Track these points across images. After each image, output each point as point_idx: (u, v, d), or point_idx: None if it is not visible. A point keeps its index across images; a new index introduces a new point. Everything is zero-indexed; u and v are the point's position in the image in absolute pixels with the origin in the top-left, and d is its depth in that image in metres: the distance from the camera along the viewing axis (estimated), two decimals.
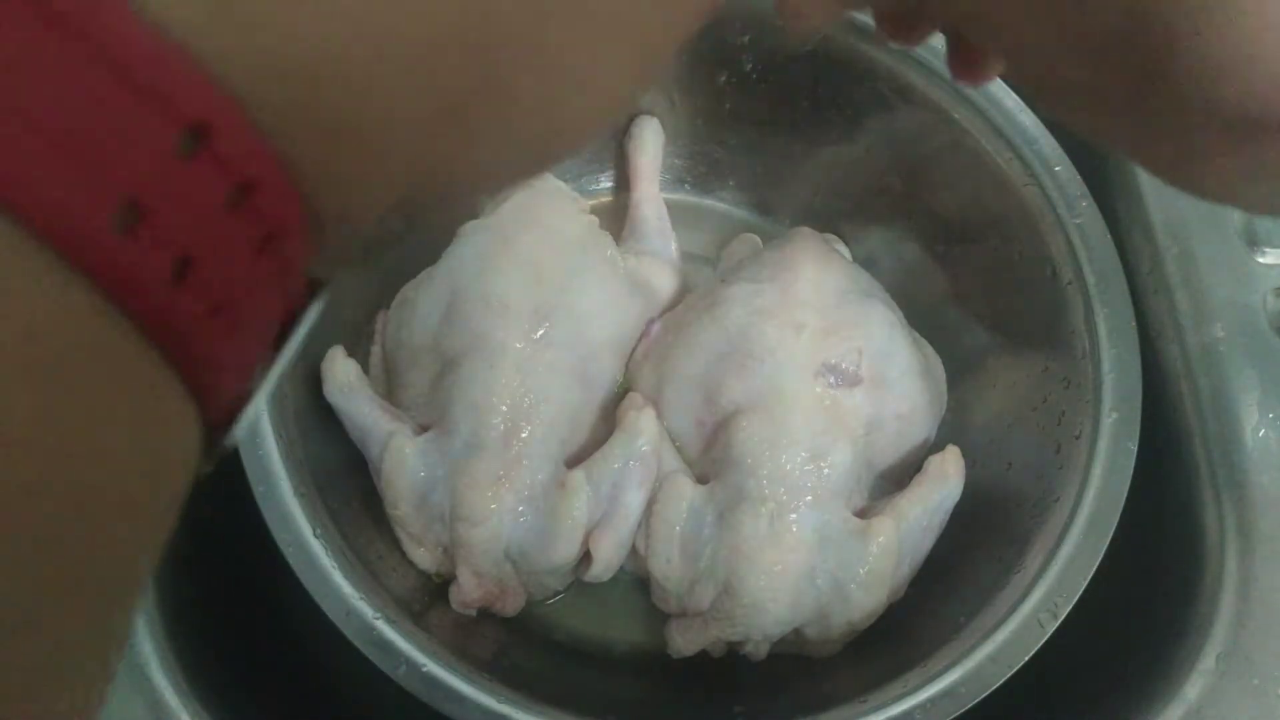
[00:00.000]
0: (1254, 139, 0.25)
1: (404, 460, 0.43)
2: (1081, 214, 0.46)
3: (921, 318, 0.51)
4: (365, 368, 0.47)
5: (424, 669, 0.36)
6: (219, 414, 0.16)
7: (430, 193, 0.17)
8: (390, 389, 0.48)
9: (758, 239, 0.56)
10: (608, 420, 0.47)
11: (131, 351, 0.13)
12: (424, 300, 0.47)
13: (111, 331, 0.13)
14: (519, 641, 0.46)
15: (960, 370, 0.51)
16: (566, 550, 0.43)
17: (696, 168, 0.59)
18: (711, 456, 0.45)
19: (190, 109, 0.13)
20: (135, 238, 0.13)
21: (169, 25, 0.13)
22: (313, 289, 0.18)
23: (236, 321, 0.14)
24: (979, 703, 0.37)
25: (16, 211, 0.12)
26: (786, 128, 0.56)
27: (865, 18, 0.49)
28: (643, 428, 0.44)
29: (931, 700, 0.37)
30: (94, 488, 0.13)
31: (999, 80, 0.48)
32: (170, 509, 0.15)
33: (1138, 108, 0.26)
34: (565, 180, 0.57)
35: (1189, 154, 0.27)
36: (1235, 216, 0.47)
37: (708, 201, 0.60)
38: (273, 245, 0.15)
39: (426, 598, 0.44)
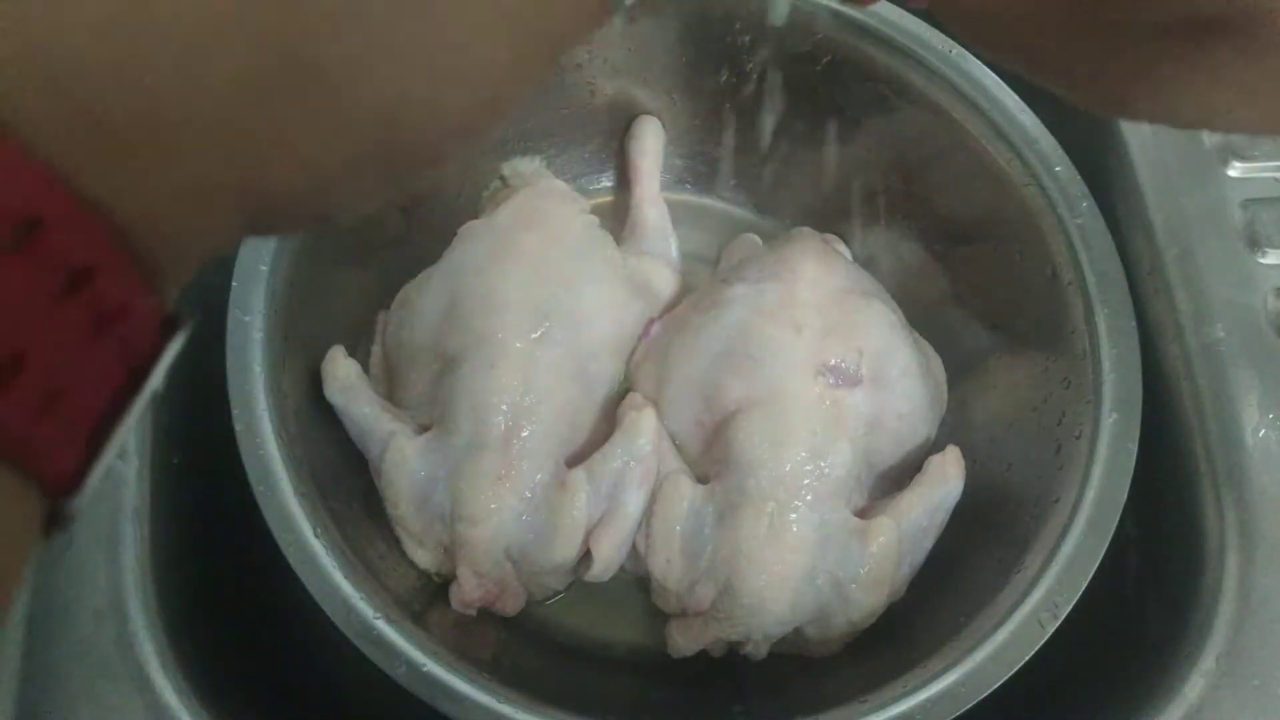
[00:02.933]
0: (1226, 35, 0.22)
1: (404, 460, 0.43)
2: (1081, 214, 0.46)
3: (921, 318, 0.51)
4: (365, 368, 0.47)
5: (424, 669, 0.36)
6: (63, 483, 0.16)
7: (274, 194, 0.16)
8: (391, 389, 0.48)
9: (758, 239, 0.56)
10: (608, 420, 0.47)
11: None
12: (424, 300, 0.47)
13: None
14: (519, 641, 0.46)
15: (960, 370, 0.51)
16: (567, 550, 0.43)
17: (696, 168, 0.59)
18: (712, 456, 0.45)
19: None
20: None
21: None
22: (169, 327, 0.17)
23: (70, 403, 0.15)
24: (979, 703, 0.37)
25: None
26: (786, 128, 0.56)
27: (864, 17, 0.49)
28: (643, 427, 0.44)
29: (931, 700, 0.37)
30: None
31: (999, 80, 0.48)
32: (8, 578, 0.15)
33: (1086, 24, 0.24)
34: (565, 180, 0.57)
35: (1146, 70, 0.24)
36: (1236, 216, 0.47)
37: (708, 201, 0.60)
38: (101, 313, 0.15)
39: (426, 598, 0.44)
